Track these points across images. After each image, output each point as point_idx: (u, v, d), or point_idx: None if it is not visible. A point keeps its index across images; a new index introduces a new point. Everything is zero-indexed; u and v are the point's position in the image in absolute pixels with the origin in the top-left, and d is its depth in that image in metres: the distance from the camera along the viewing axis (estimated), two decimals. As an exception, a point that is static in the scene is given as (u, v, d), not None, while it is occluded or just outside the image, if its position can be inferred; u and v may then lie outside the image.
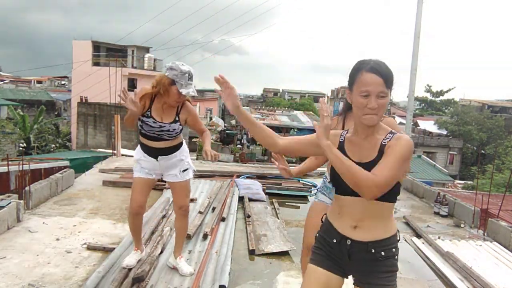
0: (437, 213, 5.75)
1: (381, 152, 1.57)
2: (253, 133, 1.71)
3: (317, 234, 1.80)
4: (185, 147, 3.09)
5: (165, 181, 3.30)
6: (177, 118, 2.89)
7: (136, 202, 3.00)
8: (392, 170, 1.50)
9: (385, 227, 1.65)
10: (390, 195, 1.57)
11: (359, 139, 1.64)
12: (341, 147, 1.66)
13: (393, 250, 1.66)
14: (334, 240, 1.69)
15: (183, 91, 2.72)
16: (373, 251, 1.62)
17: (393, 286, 1.66)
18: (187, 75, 2.73)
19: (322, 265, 1.71)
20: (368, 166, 1.55)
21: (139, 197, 3.01)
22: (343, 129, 1.82)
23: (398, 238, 1.70)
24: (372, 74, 1.52)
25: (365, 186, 1.48)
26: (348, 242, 1.64)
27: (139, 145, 3.04)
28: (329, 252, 1.72)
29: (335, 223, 1.71)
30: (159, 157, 2.94)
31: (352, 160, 1.57)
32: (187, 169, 3.08)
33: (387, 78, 1.53)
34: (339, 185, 1.64)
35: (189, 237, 3.78)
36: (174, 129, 2.88)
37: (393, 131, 1.64)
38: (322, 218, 1.83)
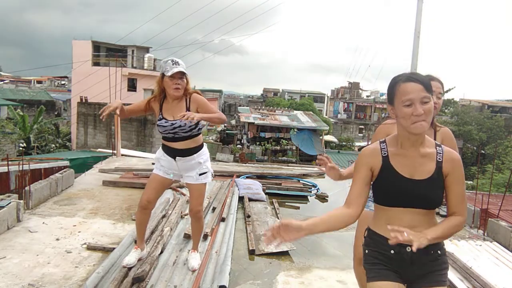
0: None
1: (438, 169, 1.62)
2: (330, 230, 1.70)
3: (366, 251, 1.77)
4: (205, 150, 3.12)
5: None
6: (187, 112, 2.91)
7: (147, 196, 3.07)
8: (465, 199, 1.66)
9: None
10: (438, 205, 1.67)
11: (409, 153, 1.65)
12: (386, 163, 1.66)
13: (444, 247, 1.74)
14: (392, 251, 1.67)
15: (169, 73, 2.81)
16: (432, 252, 1.67)
17: (447, 281, 1.75)
18: (169, 61, 2.85)
19: (389, 278, 1.69)
20: (424, 183, 1.61)
21: (150, 192, 3.08)
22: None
23: None
24: (410, 82, 1.56)
25: (460, 230, 1.67)
26: (408, 249, 1.63)
27: (161, 146, 3.13)
28: (388, 265, 1.70)
29: (387, 234, 1.63)
30: (177, 157, 3.00)
31: (402, 176, 1.62)
32: (205, 172, 3.10)
33: (425, 83, 1.56)
34: (384, 198, 1.67)
35: (189, 237, 3.78)
36: (186, 123, 2.90)
37: (436, 142, 1.69)
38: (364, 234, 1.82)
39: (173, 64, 2.84)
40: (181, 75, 2.87)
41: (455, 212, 1.65)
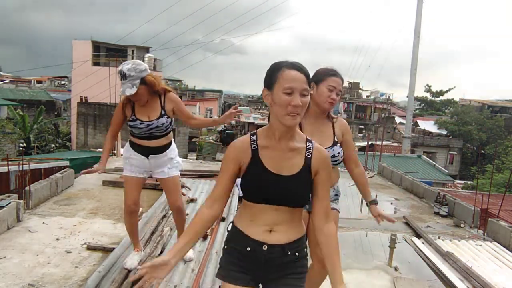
0: (437, 213, 5.75)
1: (307, 166, 1.54)
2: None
3: (225, 247, 1.67)
4: (174, 146, 3.10)
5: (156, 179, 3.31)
6: (163, 112, 2.87)
7: (131, 200, 3.01)
8: (329, 201, 1.64)
9: (296, 228, 1.60)
10: (304, 204, 1.59)
11: (278, 146, 1.55)
12: (255, 157, 1.55)
13: (305, 250, 1.65)
14: (248, 249, 1.58)
15: (120, 92, 2.75)
16: (289, 253, 1.58)
17: (303, 285, 1.64)
18: (119, 75, 2.73)
19: (238, 281, 1.60)
20: (291, 180, 1.52)
21: (132, 194, 3.02)
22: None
23: (306, 239, 1.69)
24: (295, 70, 1.47)
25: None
26: (265, 247, 1.56)
27: (128, 143, 3.03)
28: (242, 263, 1.60)
29: (247, 230, 1.60)
30: (150, 155, 2.94)
31: (269, 171, 1.52)
32: (176, 166, 3.09)
33: (307, 76, 1.49)
34: (250, 193, 1.57)
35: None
36: (163, 123, 2.87)
37: (308, 137, 1.60)
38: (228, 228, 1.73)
39: (121, 79, 2.71)
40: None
41: (321, 213, 1.58)
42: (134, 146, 2.96)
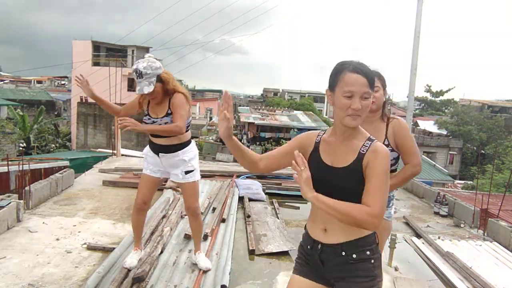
0: (437, 213, 5.75)
1: (358, 160, 1.52)
2: (236, 155, 1.66)
3: (300, 244, 1.78)
4: (191, 148, 3.04)
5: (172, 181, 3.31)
6: (169, 111, 2.88)
7: (141, 198, 3.05)
8: (382, 194, 1.47)
9: (353, 228, 1.54)
10: (354, 198, 1.51)
11: (337, 142, 1.60)
12: (315, 148, 1.64)
13: (367, 253, 1.55)
14: (309, 247, 1.65)
15: (136, 91, 2.75)
16: (343, 253, 1.55)
17: None
18: (134, 73, 2.74)
19: (301, 273, 1.69)
20: (340, 171, 1.54)
21: (144, 193, 3.05)
22: None
23: (376, 241, 1.60)
24: (356, 74, 1.49)
25: (365, 223, 1.45)
26: (319, 246, 1.60)
27: (148, 141, 3.09)
28: (307, 260, 1.68)
29: (309, 229, 1.69)
30: (160, 153, 2.96)
31: (323, 162, 1.58)
32: (191, 171, 3.02)
33: (370, 79, 1.51)
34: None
35: (189, 237, 3.78)
36: (166, 122, 2.87)
37: (371, 137, 1.59)
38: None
39: (137, 78, 2.72)
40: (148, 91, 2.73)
41: (365, 202, 1.48)
42: (150, 143, 3.03)
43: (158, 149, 2.96)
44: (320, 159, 1.60)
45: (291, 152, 1.56)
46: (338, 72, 1.52)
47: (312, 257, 1.65)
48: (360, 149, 1.55)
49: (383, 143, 2.12)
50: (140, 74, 2.70)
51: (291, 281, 1.72)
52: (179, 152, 2.96)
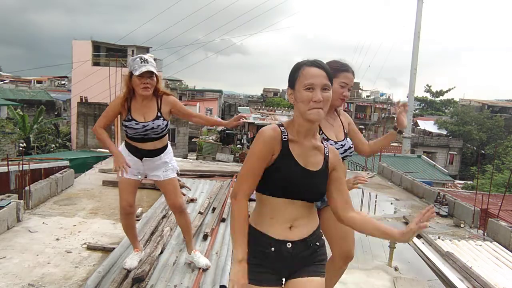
0: (437, 213, 5.75)
1: (326, 162, 1.64)
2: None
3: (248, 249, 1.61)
4: (169, 149, 3.05)
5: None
6: (159, 114, 2.86)
7: (126, 202, 2.98)
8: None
9: (313, 220, 1.67)
10: (322, 198, 1.69)
11: (304, 142, 1.60)
12: (285, 148, 1.57)
13: (322, 238, 1.74)
14: (273, 249, 1.59)
15: (137, 72, 2.71)
16: (311, 245, 1.64)
17: (324, 272, 1.71)
18: (138, 59, 2.76)
19: (267, 283, 1.60)
20: (316, 175, 1.59)
21: (128, 196, 2.98)
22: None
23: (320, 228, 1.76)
24: (315, 67, 1.54)
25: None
26: (289, 245, 1.59)
27: (123, 143, 3.00)
28: (267, 263, 1.61)
29: (267, 232, 1.60)
30: (144, 158, 2.92)
31: (299, 164, 1.57)
32: (170, 169, 3.04)
33: (328, 72, 1.56)
34: (277, 187, 1.56)
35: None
36: (159, 125, 2.85)
37: (323, 136, 1.73)
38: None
39: (141, 62, 2.73)
40: (150, 74, 2.75)
41: (343, 204, 1.66)
42: (130, 147, 2.94)
43: (142, 154, 2.91)
44: (295, 161, 1.57)
45: (266, 163, 1.55)
46: (297, 69, 1.57)
47: (274, 259, 1.59)
48: (324, 151, 1.65)
49: (344, 132, 2.34)
50: (145, 60, 2.75)
51: None
52: (161, 155, 2.96)
